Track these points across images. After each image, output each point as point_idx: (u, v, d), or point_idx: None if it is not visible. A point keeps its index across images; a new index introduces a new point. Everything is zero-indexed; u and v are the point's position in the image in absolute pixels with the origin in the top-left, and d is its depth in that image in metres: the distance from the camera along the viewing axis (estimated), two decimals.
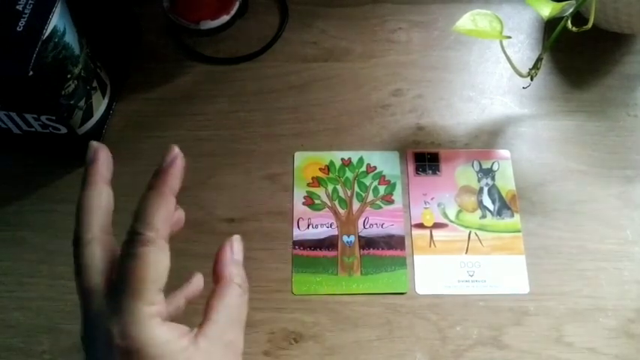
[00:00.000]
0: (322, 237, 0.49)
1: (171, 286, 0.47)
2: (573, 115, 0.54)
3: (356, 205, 0.50)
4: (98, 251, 0.27)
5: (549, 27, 0.49)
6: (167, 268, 0.27)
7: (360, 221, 0.50)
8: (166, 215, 0.28)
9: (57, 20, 0.42)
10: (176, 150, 0.29)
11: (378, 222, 0.50)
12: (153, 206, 0.27)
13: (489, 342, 0.45)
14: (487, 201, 0.50)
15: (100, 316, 0.26)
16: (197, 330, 0.28)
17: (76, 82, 0.46)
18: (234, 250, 0.32)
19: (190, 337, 0.27)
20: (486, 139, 0.53)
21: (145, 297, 0.26)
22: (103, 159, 0.30)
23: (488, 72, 0.56)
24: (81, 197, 0.29)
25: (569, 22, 0.47)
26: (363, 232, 0.49)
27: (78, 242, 0.27)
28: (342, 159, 0.52)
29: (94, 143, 0.30)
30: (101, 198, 0.29)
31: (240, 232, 0.48)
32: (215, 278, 0.31)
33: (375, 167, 0.52)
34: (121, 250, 0.27)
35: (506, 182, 0.51)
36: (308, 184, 0.51)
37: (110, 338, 0.25)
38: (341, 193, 0.51)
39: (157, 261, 0.26)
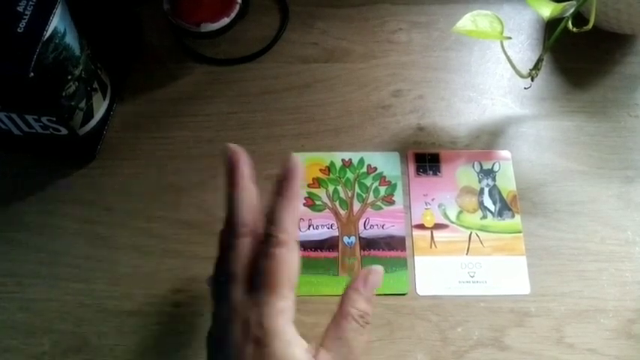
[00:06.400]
0: (323, 238, 0.49)
1: (172, 286, 0.47)
2: (574, 116, 0.54)
3: (356, 206, 0.50)
4: (249, 244, 0.30)
5: (550, 27, 0.49)
6: (298, 267, 0.30)
7: (361, 222, 0.50)
8: (295, 219, 0.31)
9: (57, 21, 0.42)
10: (297, 158, 0.32)
11: (378, 223, 0.49)
12: (283, 211, 0.31)
13: (490, 343, 0.45)
14: (488, 202, 0.50)
15: (241, 304, 0.28)
16: (314, 350, 0.29)
17: (76, 83, 0.46)
18: (368, 282, 0.32)
19: (309, 356, 0.28)
20: (487, 140, 0.53)
21: (279, 293, 0.28)
22: (244, 159, 0.33)
23: (489, 72, 0.56)
24: (233, 194, 0.32)
25: (569, 22, 0.47)
26: (364, 233, 0.49)
27: (234, 233, 0.31)
28: (343, 160, 0.52)
29: (232, 146, 0.33)
30: (252, 196, 0.32)
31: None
32: (338, 305, 0.32)
33: (375, 168, 0.52)
34: (259, 250, 0.30)
35: (507, 183, 0.51)
36: (308, 185, 0.51)
37: (247, 326, 0.27)
38: (342, 194, 0.51)
39: (290, 261, 0.29)
